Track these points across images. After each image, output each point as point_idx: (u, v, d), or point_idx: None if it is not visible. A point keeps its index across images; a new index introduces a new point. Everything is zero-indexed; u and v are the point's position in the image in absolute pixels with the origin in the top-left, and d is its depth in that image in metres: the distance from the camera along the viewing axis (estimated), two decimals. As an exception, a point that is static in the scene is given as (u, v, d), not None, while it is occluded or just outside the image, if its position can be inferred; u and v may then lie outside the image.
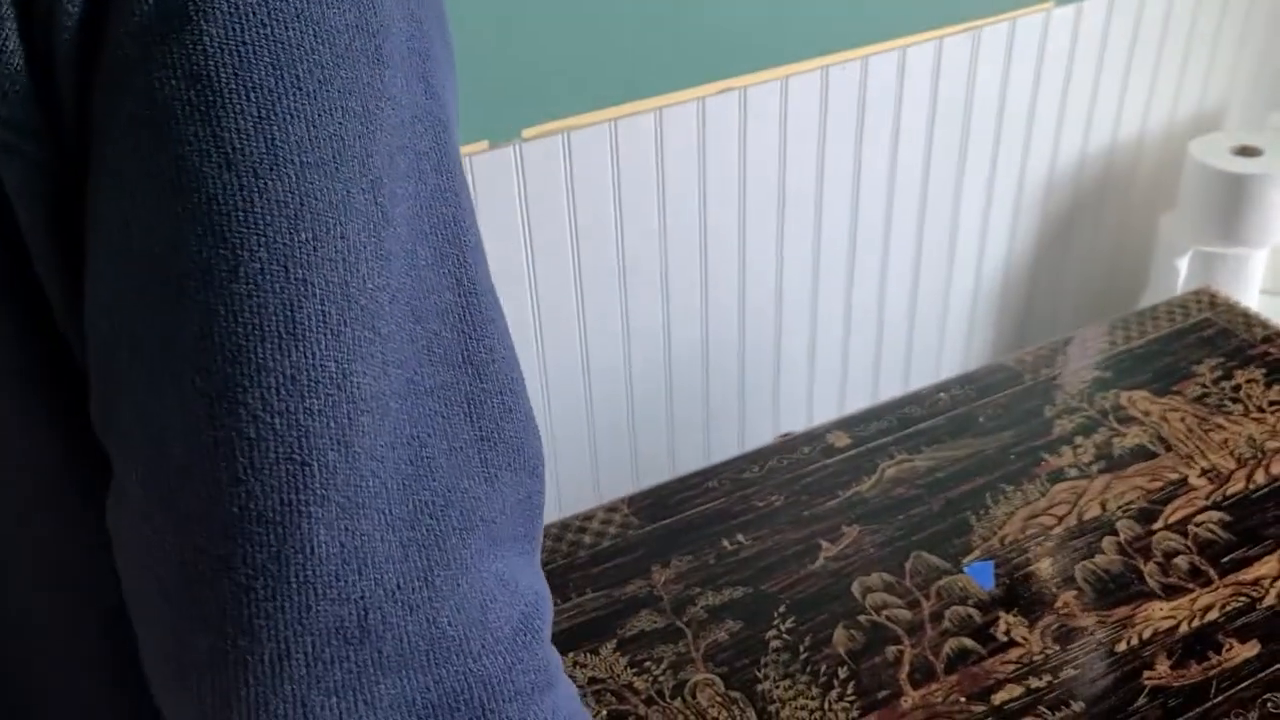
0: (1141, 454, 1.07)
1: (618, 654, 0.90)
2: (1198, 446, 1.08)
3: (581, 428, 1.54)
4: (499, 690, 0.35)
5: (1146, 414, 1.12)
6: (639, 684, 0.87)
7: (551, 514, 1.56)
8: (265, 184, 0.32)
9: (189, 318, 0.32)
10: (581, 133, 1.32)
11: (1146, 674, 0.86)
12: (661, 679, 0.87)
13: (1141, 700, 0.84)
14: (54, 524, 0.39)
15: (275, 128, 0.32)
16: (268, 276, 0.32)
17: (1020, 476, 1.05)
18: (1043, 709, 0.84)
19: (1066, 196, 1.80)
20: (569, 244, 1.39)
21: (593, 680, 0.88)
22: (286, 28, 0.33)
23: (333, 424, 0.33)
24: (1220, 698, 0.84)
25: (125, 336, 0.33)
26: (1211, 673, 0.86)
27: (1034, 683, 0.86)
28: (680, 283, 1.50)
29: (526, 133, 1.30)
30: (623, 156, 1.36)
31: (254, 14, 0.32)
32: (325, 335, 0.33)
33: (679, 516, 1.03)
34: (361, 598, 0.33)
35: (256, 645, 0.32)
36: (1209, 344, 1.22)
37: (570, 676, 0.87)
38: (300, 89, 0.33)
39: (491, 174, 1.29)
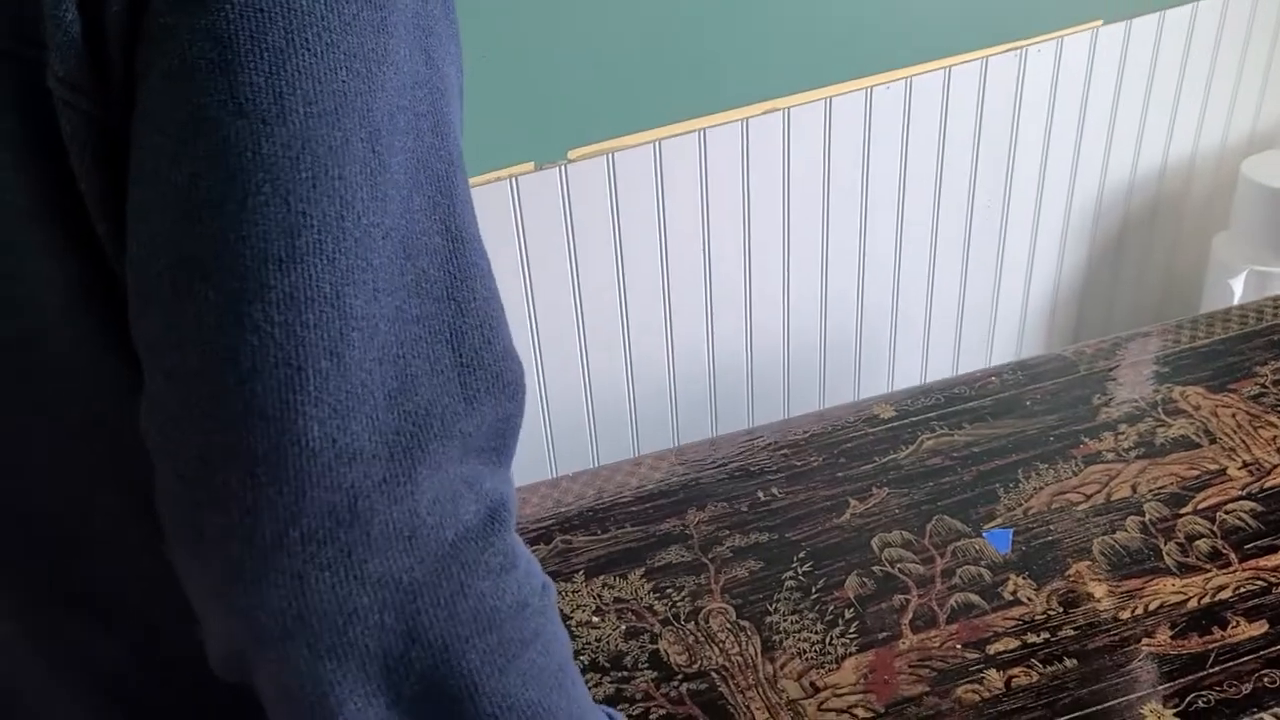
0: (1183, 444, 1.09)
1: (644, 580, 0.98)
2: (1243, 441, 1.09)
3: (625, 435, 1.60)
4: (474, 569, 0.41)
5: (1197, 408, 1.13)
6: (658, 607, 0.95)
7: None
8: (272, 130, 0.37)
9: (204, 241, 0.38)
10: (626, 153, 1.36)
11: (1145, 641, 0.89)
12: (680, 604, 0.95)
13: (1136, 664, 0.87)
14: (103, 427, 0.45)
15: (284, 82, 0.37)
16: (271, 208, 0.37)
17: (1056, 457, 1.08)
18: (1035, 662, 0.88)
19: (1117, 216, 1.78)
20: (614, 261, 1.44)
21: (618, 600, 0.96)
22: None
23: (326, 336, 0.38)
24: (1217, 669, 0.86)
25: (155, 257, 0.39)
26: (1212, 646, 0.88)
27: (1031, 638, 0.90)
28: (724, 298, 1.54)
29: (572, 154, 1.34)
30: (667, 176, 1.40)
31: None
32: (321, 260, 0.38)
33: (721, 468, 1.10)
34: (351, 487, 0.38)
35: (258, 523, 0.38)
36: (1278, 347, 1.22)
37: (597, 595, 0.96)
38: (309, 49, 0.38)
39: (538, 194, 1.35)
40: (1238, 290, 1.67)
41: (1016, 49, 1.53)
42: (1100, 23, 1.57)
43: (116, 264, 0.41)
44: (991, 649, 0.89)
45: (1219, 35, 1.69)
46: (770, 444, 1.13)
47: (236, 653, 0.41)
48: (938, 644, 0.90)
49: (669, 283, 1.50)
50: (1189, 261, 1.89)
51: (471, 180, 0.47)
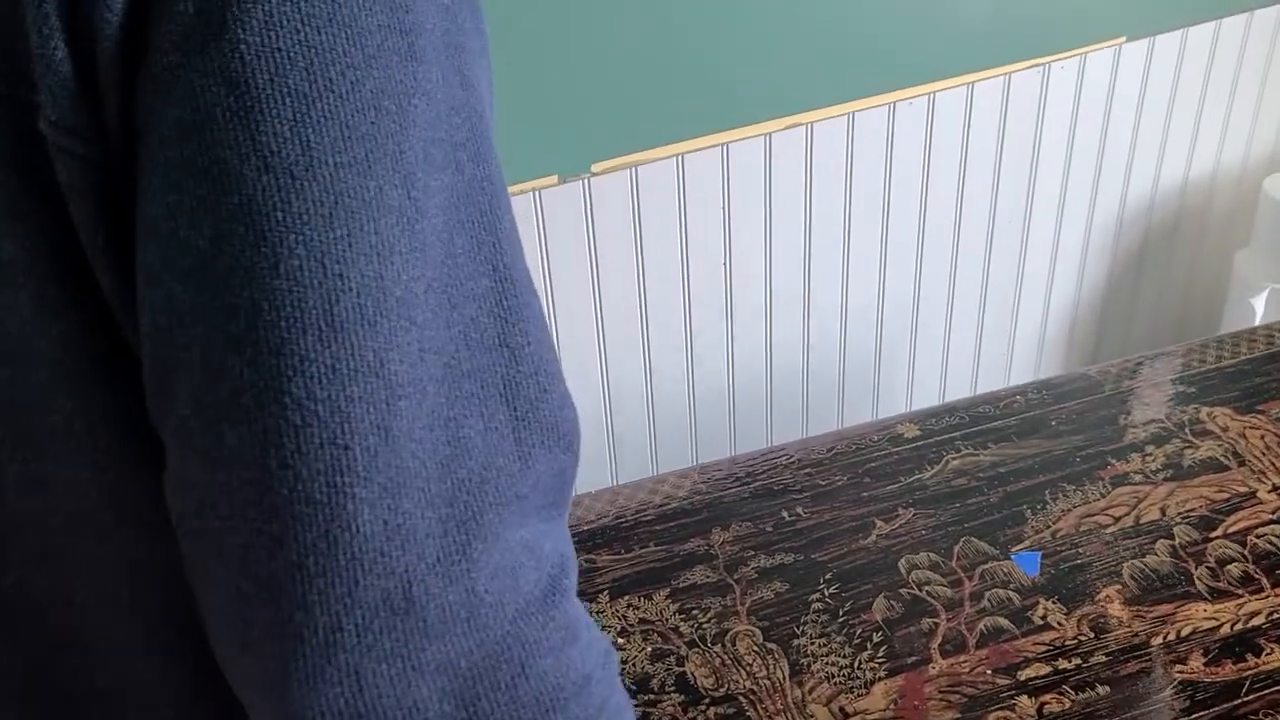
0: (1212, 466, 1.08)
1: (669, 601, 0.97)
2: (1273, 463, 1.08)
3: (644, 449, 1.59)
4: (535, 647, 0.38)
5: (1225, 429, 1.12)
6: (684, 628, 0.94)
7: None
8: (301, 185, 0.34)
9: (235, 313, 0.34)
10: (649, 167, 1.37)
11: (1178, 668, 0.88)
12: (706, 626, 0.94)
13: (1168, 691, 0.86)
14: (118, 517, 0.41)
15: (310, 130, 0.34)
16: (306, 273, 0.34)
17: (1083, 478, 1.07)
18: (1067, 689, 0.87)
19: (1138, 233, 1.77)
20: (636, 275, 1.44)
21: (643, 621, 0.95)
22: (319, 32, 0.34)
23: (372, 410, 0.35)
24: (1251, 697, 0.85)
25: (176, 327, 0.35)
26: (1246, 673, 0.87)
27: (1062, 664, 0.89)
28: (745, 313, 1.54)
29: (595, 167, 1.34)
30: (689, 190, 1.40)
31: (288, 21, 0.34)
32: (363, 327, 0.35)
33: (745, 486, 1.09)
34: (405, 571, 0.35)
35: (310, 618, 0.35)
36: (1305, 368, 1.21)
37: (622, 616, 0.95)
38: (334, 91, 0.35)
39: (561, 207, 1.35)
40: (1259, 309, 1.66)
41: (1039, 65, 1.53)
42: (1123, 40, 1.57)
43: (122, 319, 0.38)
44: (1022, 675, 0.88)
45: (1242, 52, 1.69)
46: (793, 462, 1.12)
47: None
48: (968, 669, 0.89)
49: (690, 297, 1.50)
50: (1210, 279, 1.88)
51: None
